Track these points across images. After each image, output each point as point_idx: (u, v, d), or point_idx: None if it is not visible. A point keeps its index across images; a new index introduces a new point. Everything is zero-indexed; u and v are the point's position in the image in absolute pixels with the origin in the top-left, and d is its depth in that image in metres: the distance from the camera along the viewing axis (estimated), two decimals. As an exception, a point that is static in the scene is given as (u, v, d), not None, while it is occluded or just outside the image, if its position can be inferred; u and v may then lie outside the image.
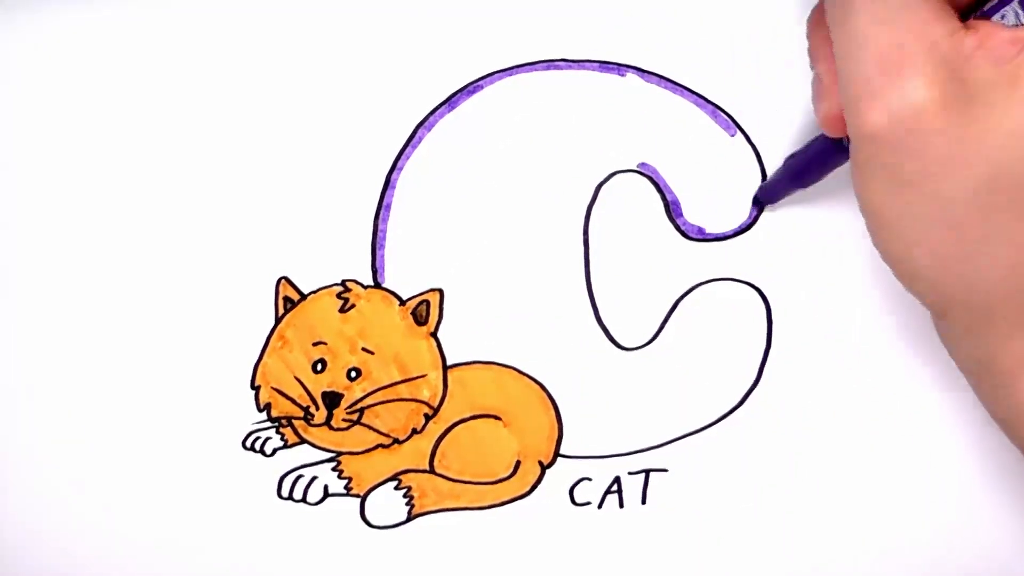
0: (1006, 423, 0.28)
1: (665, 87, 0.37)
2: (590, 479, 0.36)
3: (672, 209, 0.36)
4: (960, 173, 0.24)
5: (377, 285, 0.36)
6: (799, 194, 0.34)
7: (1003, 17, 0.24)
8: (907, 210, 0.25)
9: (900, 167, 0.24)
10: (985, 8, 0.25)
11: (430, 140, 0.36)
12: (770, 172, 0.36)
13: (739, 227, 0.36)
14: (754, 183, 0.36)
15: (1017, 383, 0.26)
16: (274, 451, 0.36)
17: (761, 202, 0.36)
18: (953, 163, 0.24)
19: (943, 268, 0.25)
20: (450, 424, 0.36)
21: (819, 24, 0.28)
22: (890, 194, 0.25)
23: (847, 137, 0.29)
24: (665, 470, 0.36)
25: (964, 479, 0.36)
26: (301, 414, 0.36)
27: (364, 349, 0.36)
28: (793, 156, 0.34)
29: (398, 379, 0.36)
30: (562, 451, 0.36)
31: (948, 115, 0.23)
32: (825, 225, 0.36)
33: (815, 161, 0.33)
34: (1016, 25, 0.24)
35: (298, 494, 0.36)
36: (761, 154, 0.36)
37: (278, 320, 0.36)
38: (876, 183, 0.25)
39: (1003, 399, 0.27)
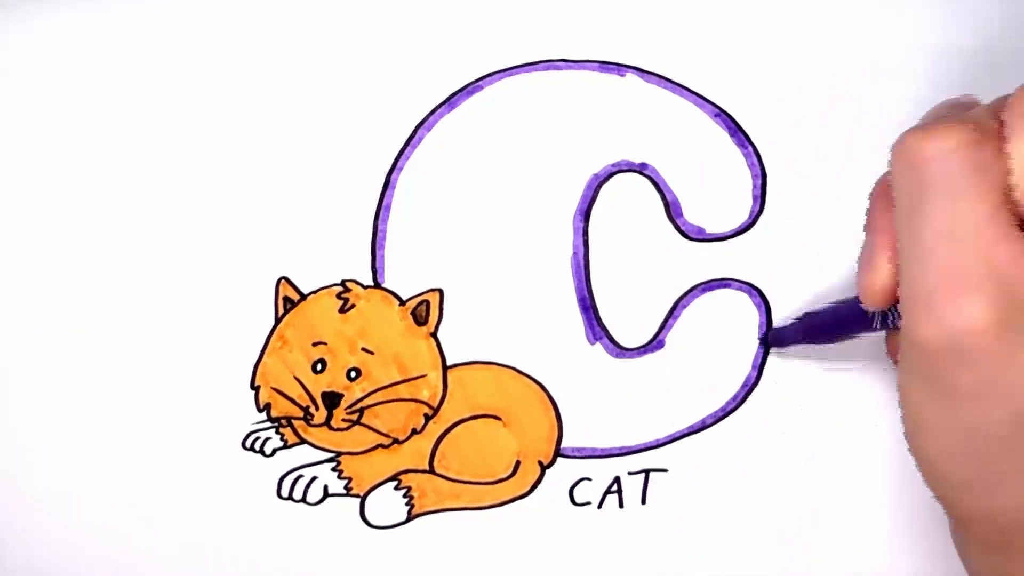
0: None
1: (665, 87, 0.37)
2: (590, 479, 0.36)
3: (672, 209, 0.36)
4: (995, 400, 0.23)
5: (377, 285, 0.36)
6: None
7: None
8: (942, 422, 0.25)
9: (943, 381, 0.24)
10: None
11: (430, 140, 0.36)
12: (771, 176, 0.36)
13: (739, 227, 0.36)
14: (754, 183, 0.36)
15: None
16: (274, 451, 0.36)
17: (770, 346, 0.36)
18: (992, 389, 0.23)
19: (967, 488, 0.25)
20: (450, 424, 0.36)
21: (883, 196, 0.27)
22: (929, 402, 0.25)
23: (878, 311, 0.28)
24: (665, 470, 0.36)
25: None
26: (301, 414, 0.36)
27: (364, 349, 0.36)
28: (816, 313, 0.33)
29: (398, 379, 0.36)
30: (562, 451, 0.36)
31: (999, 341, 0.23)
32: (825, 225, 0.36)
33: (836, 326, 0.32)
34: None
35: (298, 494, 0.36)
36: (761, 154, 0.36)
37: (278, 320, 0.36)
38: (918, 387, 0.25)
39: None
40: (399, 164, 0.36)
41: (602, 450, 0.36)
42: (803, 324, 0.33)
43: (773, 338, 0.35)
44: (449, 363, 0.36)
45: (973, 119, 0.24)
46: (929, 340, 0.24)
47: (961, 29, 0.36)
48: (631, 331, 0.36)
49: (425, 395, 0.36)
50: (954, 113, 0.25)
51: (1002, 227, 0.23)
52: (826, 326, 0.32)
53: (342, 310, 0.36)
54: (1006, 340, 0.23)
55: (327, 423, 0.36)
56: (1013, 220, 0.23)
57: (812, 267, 0.36)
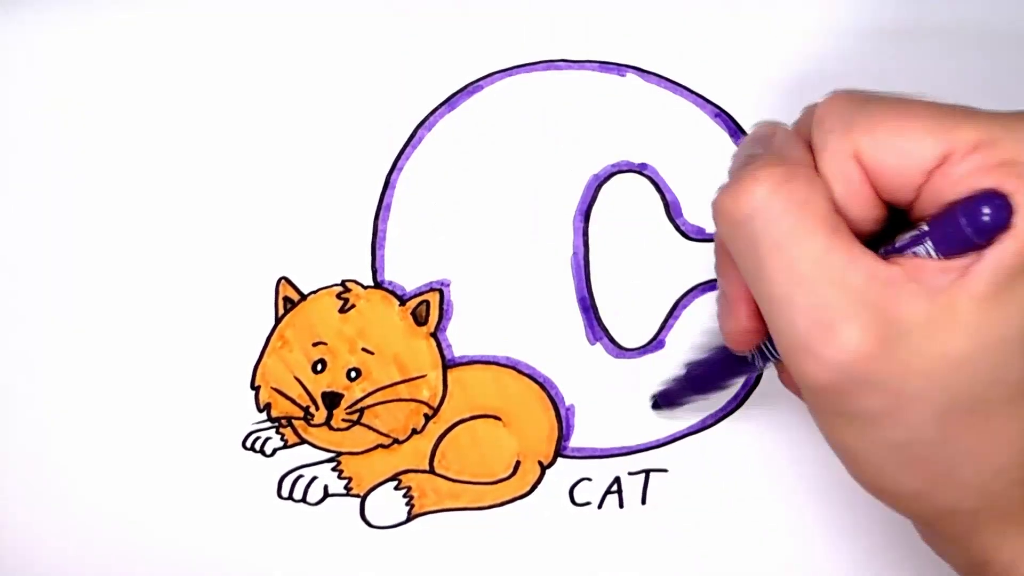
0: None
1: (665, 87, 0.37)
2: (590, 479, 0.36)
3: (672, 209, 0.36)
4: (913, 408, 0.23)
5: (377, 285, 0.36)
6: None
7: (915, 255, 0.23)
8: (873, 448, 0.25)
9: (852, 412, 0.24)
10: (896, 244, 0.24)
11: (430, 140, 0.36)
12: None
13: (739, 227, 0.36)
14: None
15: None
16: (274, 451, 0.36)
17: (661, 407, 0.35)
18: (900, 402, 0.23)
19: (921, 494, 0.25)
20: (450, 424, 0.36)
21: (724, 246, 0.27)
22: (852, 436, 0.25)
23: (751, 353, 0.28)
24: (665, 470, 0.36)
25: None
26: (301, 414, 0.36)
27: (364, 349, 0.36)
28: (696, 365, 0.33)
29: (398, 379, 0.36)
30: (562, 451, 0.36)
31: (888, 357, 0.23)
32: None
33: (719, 374, 0.32)
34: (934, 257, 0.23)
35: (298, 494, 0.36)
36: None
37: (278, 320, 0.36)
38: (836, 427, 0.25)
39: None
40: (399, 164, 0.36)
41: (602, 450, 0.36)
42: (687, 379, 0.33)
43: (662, 399, 0.35)
44: (449, 363, 0.36)
45: (775, 156, 0.24)
46: (822, 381, 0.23)
47: (966, 31, 0.36)
48: (631, 331, 0.36)
49: (425, 395, 0.36)
50: (756, 154, 0.25)
51: (844, 251, 0.23)
52: (709, 375, 0.32)
53: (342, 310, 0.36)
54: (894, 354, 0.23)
55: (327, 423, 0.36)
56: (851, 238, 0.23)
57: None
